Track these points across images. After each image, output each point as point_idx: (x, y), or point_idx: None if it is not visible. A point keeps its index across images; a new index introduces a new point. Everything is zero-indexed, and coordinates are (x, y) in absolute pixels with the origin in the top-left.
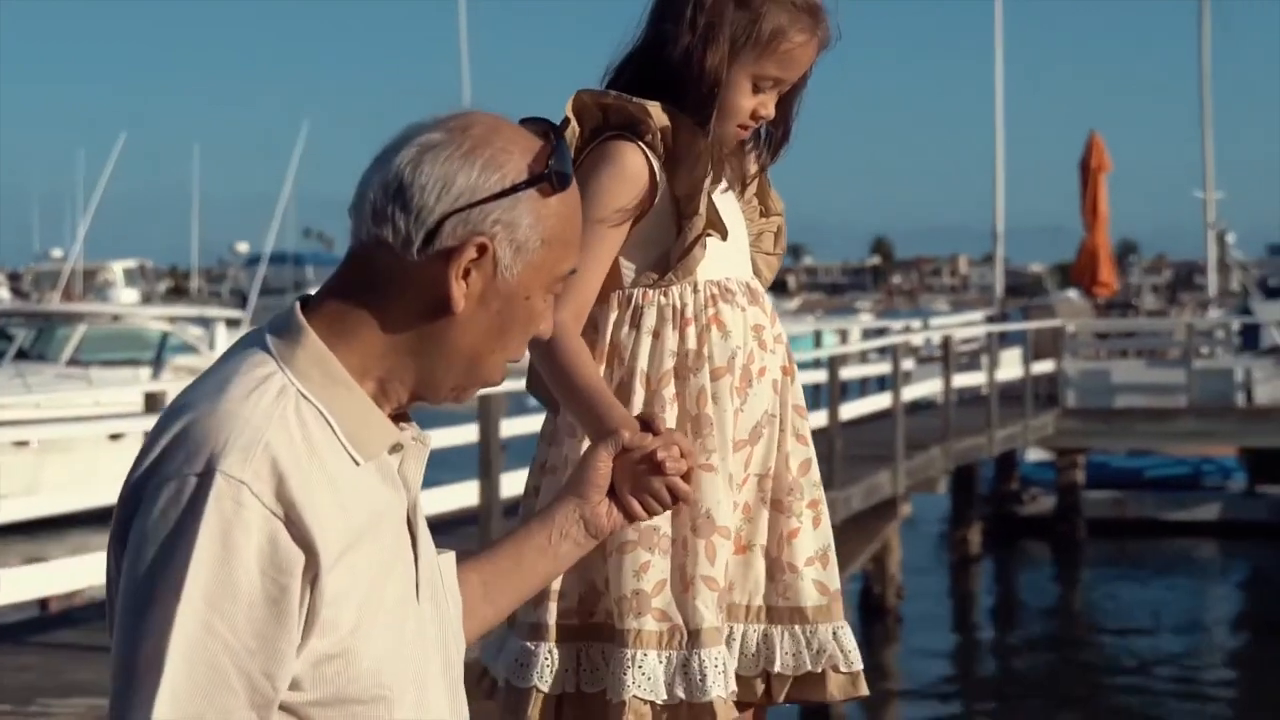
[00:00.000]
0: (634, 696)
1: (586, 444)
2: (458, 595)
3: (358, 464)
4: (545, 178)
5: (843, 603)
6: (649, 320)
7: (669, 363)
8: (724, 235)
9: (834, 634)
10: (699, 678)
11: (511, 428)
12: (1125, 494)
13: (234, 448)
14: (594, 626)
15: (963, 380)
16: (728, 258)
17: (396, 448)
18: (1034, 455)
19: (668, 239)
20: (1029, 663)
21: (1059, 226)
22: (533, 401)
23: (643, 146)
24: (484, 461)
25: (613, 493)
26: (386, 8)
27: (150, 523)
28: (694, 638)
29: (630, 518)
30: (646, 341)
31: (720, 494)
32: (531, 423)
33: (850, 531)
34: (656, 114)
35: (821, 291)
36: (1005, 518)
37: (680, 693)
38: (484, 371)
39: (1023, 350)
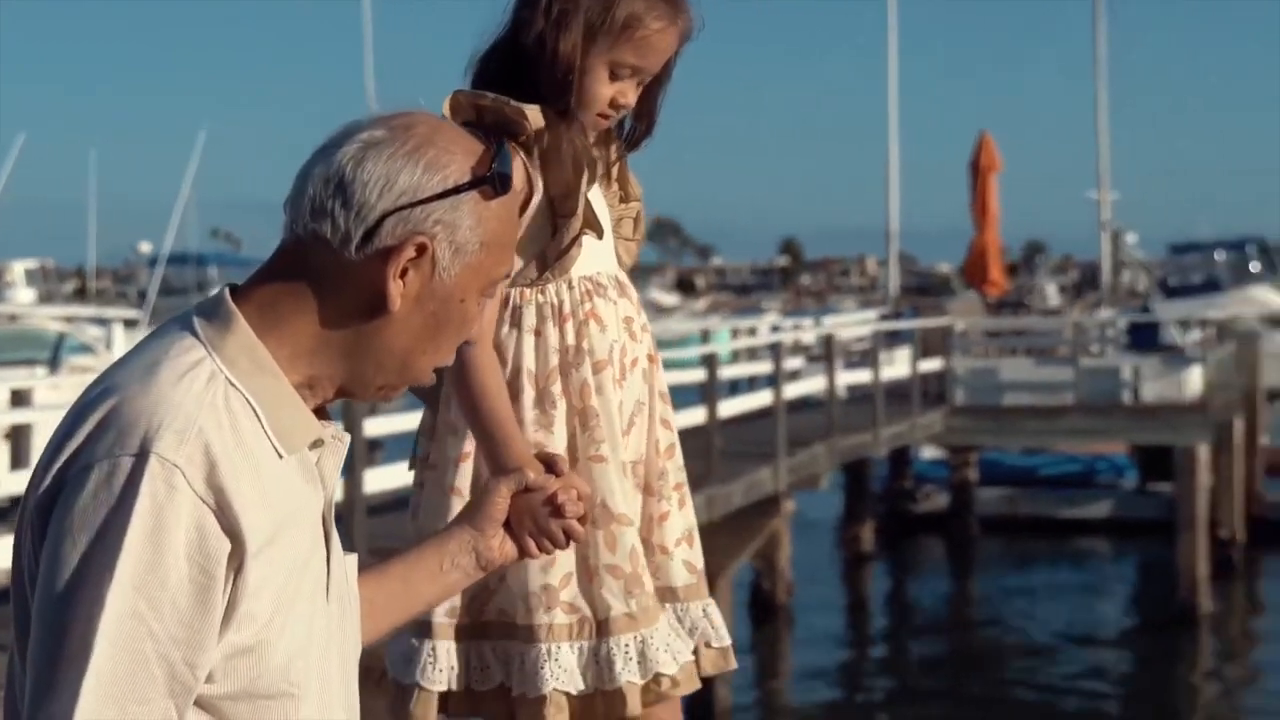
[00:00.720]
0: (555, 690)
1: (470, 444)
2: (358, 597)
3: (281, 456)
4: (488, 180)
5: (705, 582)
6: (529, 319)
7: (554, 359)
8: (600, 234)
9: (704, 611)
10: (608, 666)
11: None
12: (1018, 492)
13: (168, 431)
14: (484, 625)
15: (850, 378)
16: (598, 252)
17: (317, 443)
18: (928, 453)
19: (543, 239)
20: (921, 659)
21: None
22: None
23: (515, 148)
24: (349, 457)
25: (507, 526)
26: (290, 5)
27: (78, 506)
28: (602, 627)
29: (522, 555)
30: (529, 340)
31: (614, 483)
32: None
33: (732, 527)
34: (534, 116)
35: (730, 292)
36: (899, 515)
37: (592, 681)
38: (413, 372)
39: (911, 349)
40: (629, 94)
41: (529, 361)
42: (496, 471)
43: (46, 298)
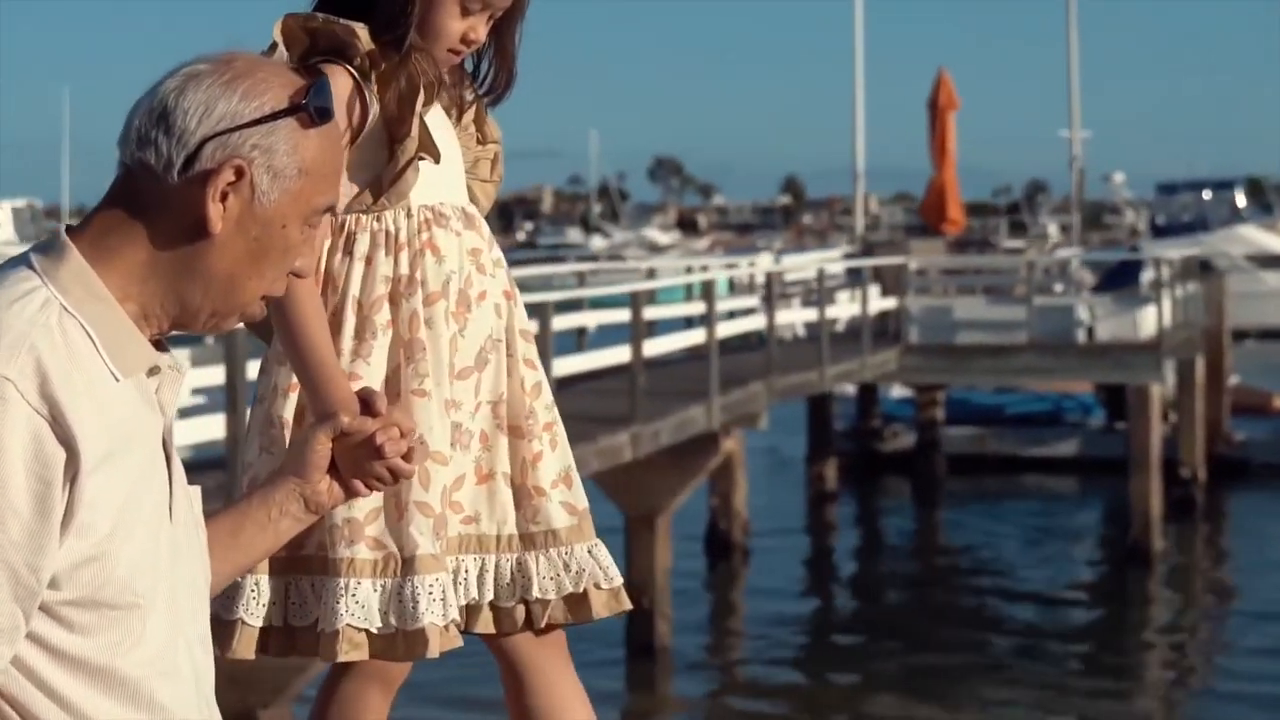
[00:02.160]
0: (348, 625)
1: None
2: (204, 526)
3: (117, 380)
4: (303, 108)
5: (591, 521)
6: (361, 246)
7: (382, 288)
8: (436, 158)
9: (590, 552)
10: (411, 605)
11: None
12: (985, 430)
13: None
14: (303, 559)
15: (797, 316)
16: (442, 182)
17: (154, 371)
18: (896, 393)
19: (379, 163)
20: (880, 597)
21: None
22: None
23: (350, 69)
24: (230, 399)
25: (334, 469)
26: None
27: None
28: (408, 565)
29: (351, 495)
30: (359, 268)
31: (434, 420)
32: None
33: (667, 466)
34: (364, 36)
35: (731, 231)
36: (866, 454)
37: (394, 621)
38: (240, 298)
39: (860, 288)
40: (480, 29)
41: (355, 289)
42: (316, 414)
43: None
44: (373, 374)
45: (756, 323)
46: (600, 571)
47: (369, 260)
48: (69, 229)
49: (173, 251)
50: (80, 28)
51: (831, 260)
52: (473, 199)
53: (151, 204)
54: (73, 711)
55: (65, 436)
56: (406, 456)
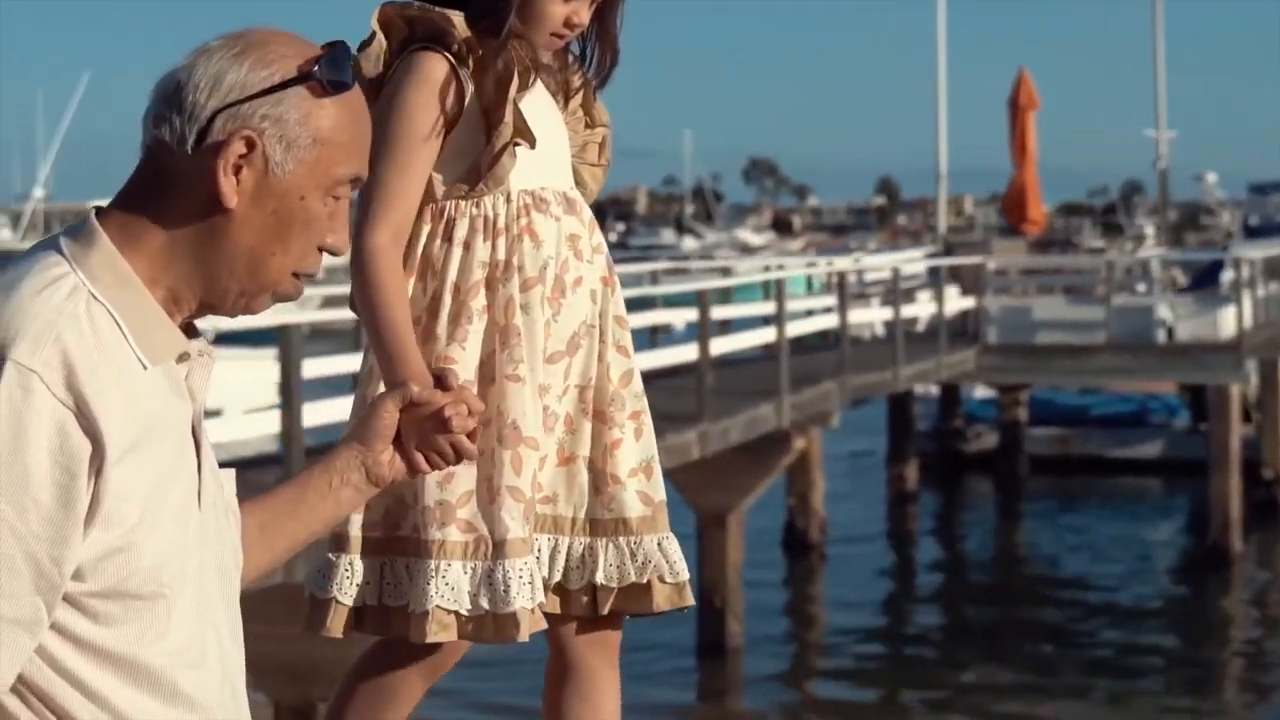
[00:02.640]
0: (437, 606)
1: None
2: (237, 512)
3: (145, 367)
4: (313, 76)
5: (666, 515)
6: (460, 232)
7: (479, 273)
8: (532, 143)
9: (659, 544)
10: (503, 588)
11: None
12: (1069, 431)
13: (24, 338)
14: (399, 540)
15: (875, 315)
16: (544, 167)
17: (184, 357)
18: (981, 393)
19: (478, 149)
20: (962, 599)
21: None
22: None
23: (448, 56)
24: (285, 396)
25: (399, 442)
26: None
27: None
28: (499, 548)
29: (413, 471)
30: (457, 253)
31: (527, 405)
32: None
33: (739, 465)
34: (460, 24)
35: (826, 232)
36: (948, 454)
37: (484, 603)
38: (267, 275)
39: (935, 287)
40: (583, 13)
41: (454, 274)
42: (387, 384)
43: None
44: (468, 359)
45: (829, 321)
46: (666, 565)
47: (467, 245)
48: (98, 211)
49: (193, 230)
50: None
51: (912, 260)
52: (580, 183)
53: (170, 183)
54: (98, 701)
55: (91, 428)
56: (472, 437)
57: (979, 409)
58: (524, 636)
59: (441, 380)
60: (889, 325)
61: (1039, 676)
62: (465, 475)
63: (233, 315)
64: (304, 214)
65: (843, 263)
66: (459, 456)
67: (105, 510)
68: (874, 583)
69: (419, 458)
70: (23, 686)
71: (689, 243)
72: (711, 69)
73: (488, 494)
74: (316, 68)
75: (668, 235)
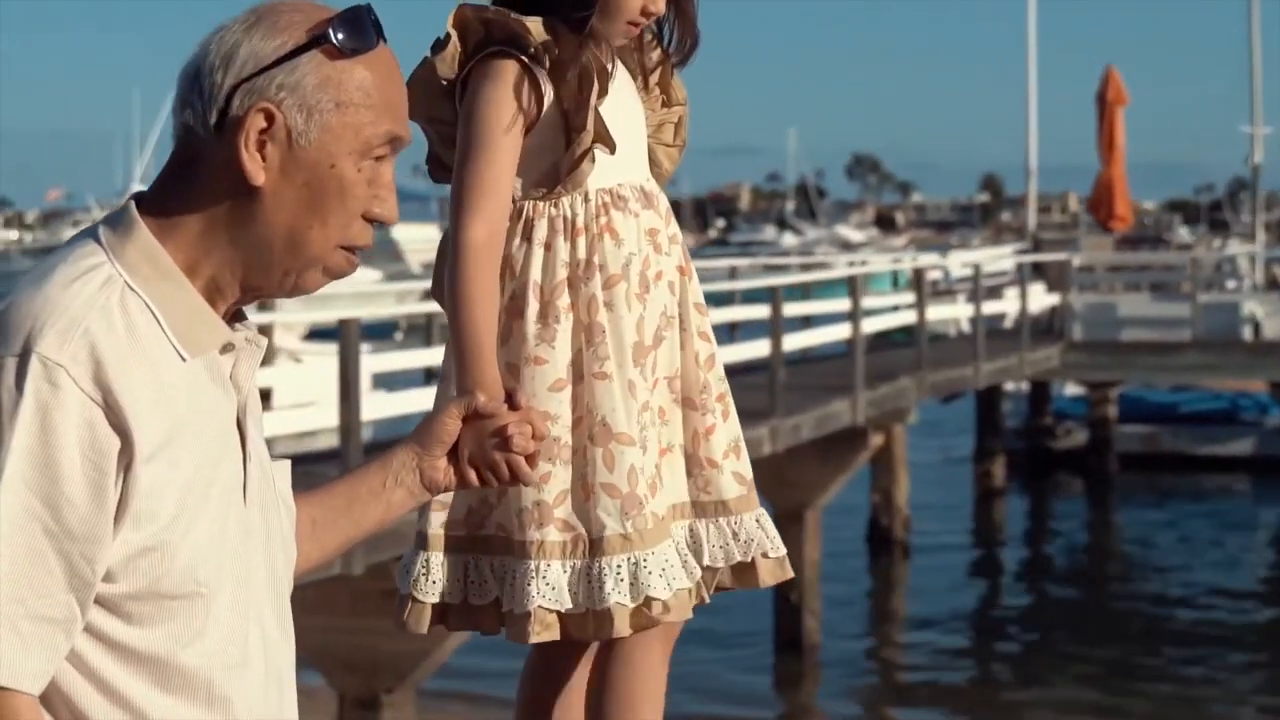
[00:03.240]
0: (539, 607)
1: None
2: (291, 505)
3: (184, 360)
4: (325, 38)
5: (755, 491)
6: (540, 232)
7: (562, 273)
8: (612, 149)
9: (758, 521)
10: (598, 586)
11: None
12: (1159, 429)
13: (50, 331)
14: (483, 539)
15: (960, 311)
16: (621, 162)
17: (228, 348)
18: (1070, 390)
19: (557, 150)
20: (1049, 596)
21: (1176, 163)
22: None
23: (524, 60)
24: (343, 388)
25: (454, 453)
26: None
27: None
28: (595, 546)
29: (463, 483)
30: (539, 254)
31: (616, 401)
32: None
33: (815, 461)
34: (536, 30)
35: (929, 229)
36: (1037, 451)
37: (582, 601)
38: (310, 251)
39: (1020, 284)
40: (659, 1)
41: (536, 275)
42: (459, 390)
43: None
44: (558, 357)
45: (907, 318)
46: (768, 540)
47: (548, 246)
48: (138, 199)
49: (226, 213)
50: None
51: (998, 257)
52: (655, 163)
53: (200, 167)
54: (127, 708)
55: (119, 424)
56: (530, 460)
57: (1069, 406)
58: (622, 633)
59: (511, 397)
60: (973, 321)
61: (1126, 675)
62: (561, 475)
63: (285, 295)
64: (337, 182)
65: (925, 259)
66: (514, 478)
67: (135, 508)
68: (959, 580)
69: (470, 473)
70: (53, 690)
71: (789, 239)
72: (816, 65)
73: (583, 492)
74: (329, 29)
75: (770, 232)
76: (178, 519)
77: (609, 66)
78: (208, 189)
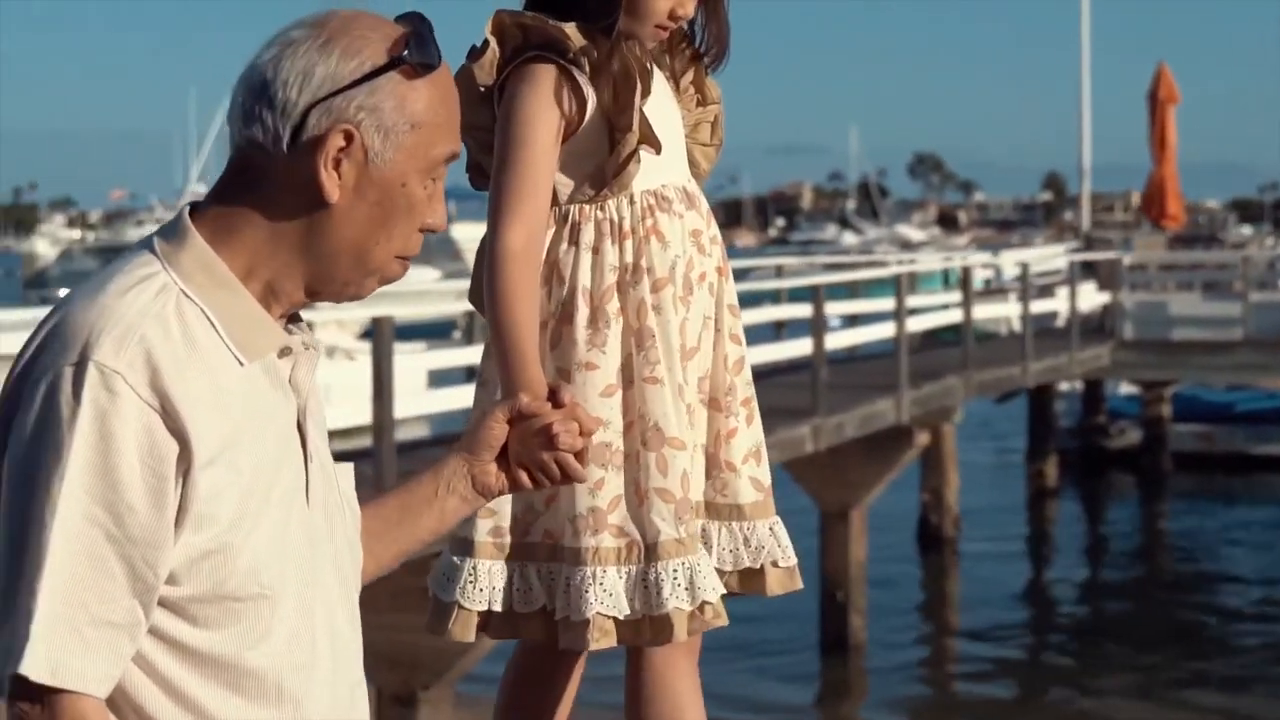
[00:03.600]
0: (598, 614)
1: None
2: (355, 507)
3: (241, 364)
4: (404, 60)
5: (773, 499)
6: (587, 236)
7: (610, 277)
8: (658, 149)
9: (771, 529)
10: (656, 591)
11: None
12: (1214, 428)
13: (107, 338)
14: (528, 546)
15: (1009, 310)
16: (663, 164)
17: (285, 352)
18: (1125, 389)
19: (601, 153)
20: (1102, 596)
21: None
22: None
23: (563, 64)
24: (376, 387)
25: (505, 456)
26: None
27: (30, 417)
28: (650, 551)
29: (515, 486)
30: (586, 258)
31: (668, 406)
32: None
33: (860, 460)
34: (574, 34)
35: (992, 228)
36: (1091, 450)
37: (639, 606)
38: (371, 263)
39: (1070, 283)
40: (687, 4)
41: (585, 279)
42: (504, 392)
43: None
44: (609, 362)
45: (953, 317)
46: (779, 550)
47: (595, 250)
48: (192, 208)
49: (294, 225)
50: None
51: (1048, 256)
52: (693, 163)
53: (266, 179)
54: (194, 709)
55: (177, 429)
56: (580, 457)
57: (1123, 405)
58: (680, 637)
59: (555, 395)
60: (1022, 320)
61: (1181, 678)
62: (614, 481)
63: (339, 302)
64: (406, 200)
65: (976, 258)
66: (565, 477)
67: (196, 512)
68: (1010, 579)
69: (521, 475)
70: (120, 693)
71: (849, 238)
72: (877, 64)
73: (636, 497)
74: (406, 50)
75: (831, 231)
76: (239, 522)
77: (649, 66)
78: (273, 200)
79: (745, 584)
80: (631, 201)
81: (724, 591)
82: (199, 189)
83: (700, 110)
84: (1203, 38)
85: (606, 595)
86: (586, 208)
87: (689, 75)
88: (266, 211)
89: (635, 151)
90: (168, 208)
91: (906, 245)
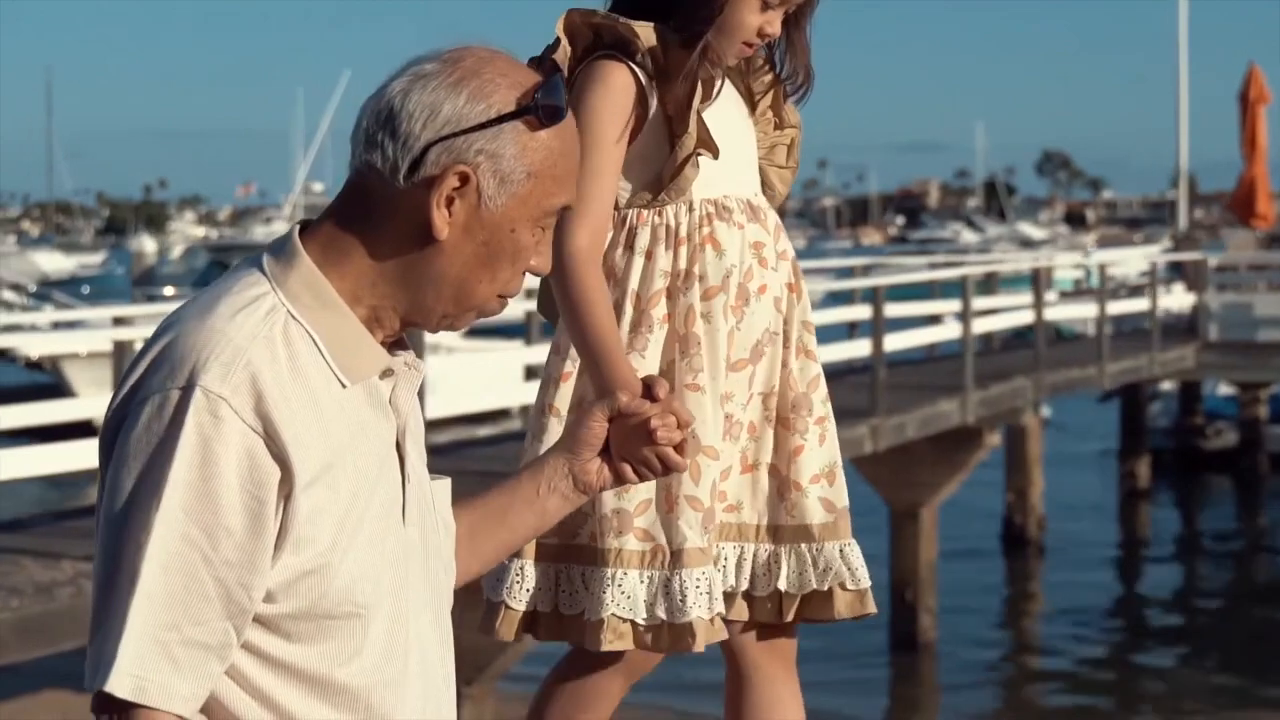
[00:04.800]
0: (613, 615)
1: (572, 363)
2: (451, 523)
3: (344, 386)
4: (532, 110)
5: (849, 521)
6: (642, 240)
7: (660, 283)
8: (715, 154)
9: (840, 551)
10: (680, 598)
11: None
12: None
13: (215, 363)
14: (575, 549)
15: (1076, 312)
16: (728, 175)
17: (388, 373)
18: (1224, 390)
19: (661, 158)
20: (1194, 598)
21: None
22: None
23: (631, 65)
24: None
25: (606, 452)
26: None
27: (133, 437)
28: (676, 558)
29: (619, 481)
30: (639, 262)
31: (706, 414)
32: None
33: (929, 459)
34: (645, 34)
35: (1119, 226)
36: (1187, 451)
37: (661, 613)
38: (473, 300)
39: (1150, 283)
40: (775, 24)
41: (634, 283)
42: (597, 392)
43: None
44: (646, 367)
45: (1023, 318)
46: (847, 572)
47: (649, 255)
48: (302, 227)
49: (401, 256)
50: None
51: (1138, 257)
52: (768, 185)
53: (380, 206)
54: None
55: (280, 454)
56: (680, 449)
57: (1220, 406)
58: (699, 647)
59: (651, 389)
60: (1115, 321)
61: (1273, 684)
62: (644, 485)
63: (435, 332)
64: (513, 244)
65: (1062, 259)
66: (666, 469)
67: (296, 534)
68: (1095, 581)
69: (626, 468)
70: (211, 703)
71: (967, 236)
72: (1004, 60)
73: (666, 503)
74: (534, 100)
75: (950, 229)
76: (337, 542)
77: (715, 77)
78: (383, 229)
79: (814, 608)
80: (691, 209)
81: (721, 609)
82: (316, 189)
83: (777, 134)
84: None
85: (624, 597)
86: (645, 213)
87: (768, 98)
88: (376, 238)
89: (692, 155)
90: (293, 205)
91: (1027, 244)
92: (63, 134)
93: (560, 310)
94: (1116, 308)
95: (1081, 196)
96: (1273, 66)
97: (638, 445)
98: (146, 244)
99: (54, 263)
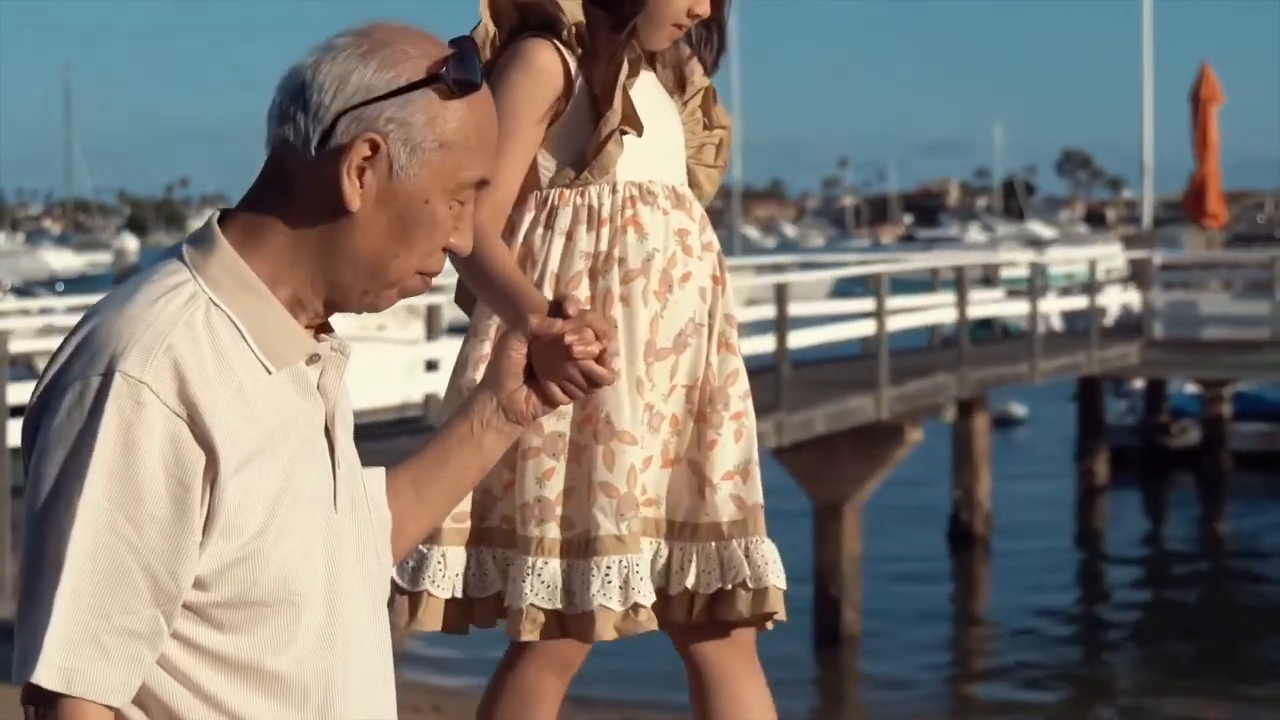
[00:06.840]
0: (531, 605)
1: (490, 345)
2: (385, 513)
3: (270, 372)
4: (442, 79)
5: (763, 518)
6: (563, 221)
7: (581, 264)
8: (639, 131)
9: (746, 550)
10: (582, 587)
11: None
12: (1275, 427)
13: (135, 349)
14: (486, 531)
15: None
16: (653, 160)
17: (314, 358)
18: (1190, 388)
19: (585, 137)
20: (1159, 593)
21: None
22: None
23: (557, 44)
24: None
25: (534, 380)
26: None
27: (54, 426)
28: (589, 545)
29: (549, 403)
30: (559, 243)
31: (622, 399)
32: None
33: (849, 454)
34: (570, 10)
35: (1140, 225)
36: (1151, 449)
37: (573, 601)
38: (390, 275)
39: (1090, 281)
40: (704, 3)
41: (555, 264)
42: (508, 325)
43: None
44: None
45: (946, 315)
46: (749, 571)
47: (569, 235)
48: (222, 215)
49: (314, 232)
50: None
51: (1105, 257)
52: (695, 184)
53: (294, 183)
54: (225, 711)
55: (204, 438)
56: (601, 360)
57: (1186, 404)
58: (605, 636)
59: (561, 308)
60: (1069, 319)
61: (1237, 683)
62: (563, 470)
63: (357, 312)
64: (428, 217)
65: (1021, 256)
66: (592, 383)
67: (225, 521)
68: (1043, 579)
69: (553, 389)
70: (145, 696)
71: (974, 235)
72: (1022, 60)
73: (586, 490)
74: (444, 69)
75: (956, 228)
76: (267, 529)
77: (639, 55)
78: (298, 206)
79: (719, 607)
80: (614, 190)
81: (652, 600)
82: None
83: (706, 134)
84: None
85: (543, 587)
86: (566, 193)
87: (697, 99)
88: (291, 216)
89: (615, 132)
90: None
91: (1035, 243)
92: (85, 133)
93: (464, 275)
94: (1061, 305)
95: (1102, 196)
96: (1227, 66)
97: (560, 365)
98: (129, 242)
99: (64, 261)
